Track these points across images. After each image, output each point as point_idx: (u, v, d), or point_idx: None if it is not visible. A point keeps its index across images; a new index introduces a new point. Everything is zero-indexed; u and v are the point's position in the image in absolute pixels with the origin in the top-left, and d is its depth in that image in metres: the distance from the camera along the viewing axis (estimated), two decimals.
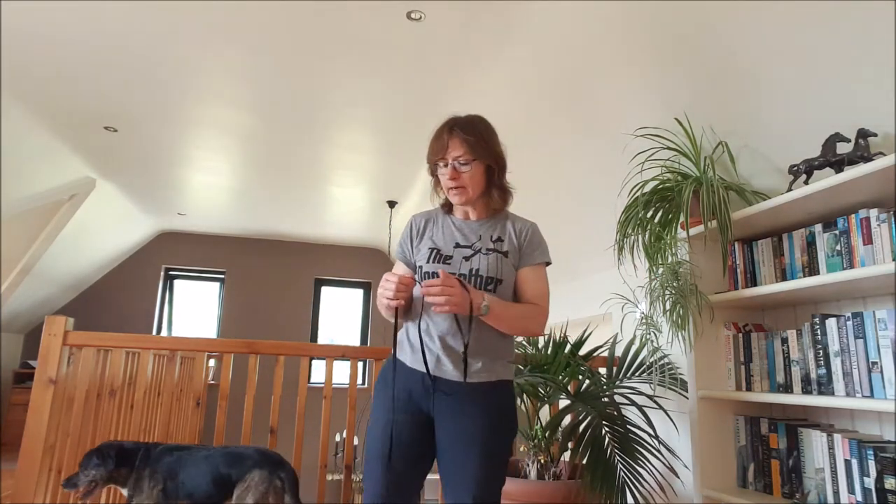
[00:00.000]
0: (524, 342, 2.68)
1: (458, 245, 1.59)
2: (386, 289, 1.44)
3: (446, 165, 1.56)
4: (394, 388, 1.54)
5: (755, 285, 2.04)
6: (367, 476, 1.50)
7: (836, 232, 1.75)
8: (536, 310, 1.57)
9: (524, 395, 2.38)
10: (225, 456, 1.96)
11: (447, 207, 1.69)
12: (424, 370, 1.50)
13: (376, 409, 1.56)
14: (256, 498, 1.86)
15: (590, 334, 2.59)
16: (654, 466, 2.07)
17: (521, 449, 2.40)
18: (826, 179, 1.62)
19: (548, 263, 1.64)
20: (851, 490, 1.63)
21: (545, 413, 2.46)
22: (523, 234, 1.63)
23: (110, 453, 1.95)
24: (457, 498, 1.45)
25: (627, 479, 1.98)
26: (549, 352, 2.47)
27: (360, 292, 7.65)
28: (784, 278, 1.93)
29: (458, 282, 1.40)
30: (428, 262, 1.57)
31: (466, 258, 1.56)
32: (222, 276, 7.23)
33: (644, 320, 2.17)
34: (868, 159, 1.60)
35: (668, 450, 2.19)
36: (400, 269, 1.68)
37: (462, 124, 1.57)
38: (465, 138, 1.54)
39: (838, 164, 1.70)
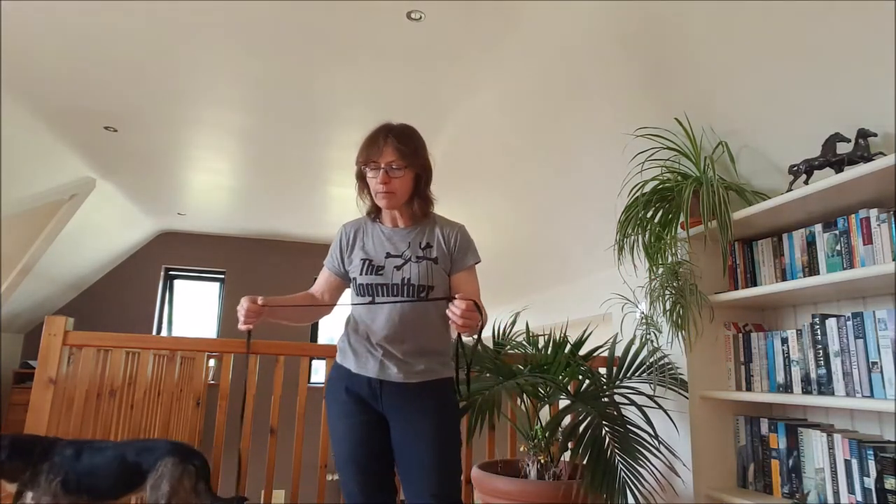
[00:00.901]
0: (524, 342, 2.68)
1: (388, 255, 1.65)
2: (240, 314, 1.51)
3: (377, 169, 1.60)
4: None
5: (755, 285, 2.04)
6: (345, 482, 1.60)
7: (836, 232, 1.75)
8: (484, 313, 1.65)
9: (524, 395, 2.38)
10: (134, 448, 1.93)
11: (374, 214, 1.74)
12: (369, 375, 1.59)
13: (332, 419, 1.64)
14: (172, 483, 1.86)
15: (590, 334, 2.59)
16: (654, 466, 2.07)
17: (521, 449, 2.40)
18: (826, 179, 1.62)
19: (477, 262, 1.72)
20: (851, 490, 1.63)
21: (545, 413, 2.46)
22: (452, 240, 1.69)
23: (3, 444, 1.81)
24: (417, 493, 1.52)
25: (628, 479, 1.98)
26: (549, 352, 2.47)
27: None
28: (784, 278, 1.93)
29: (476, 307, 1.43)
30: (362, 273, 1.63)
31: (398, 267, 1.63)
32: (222, 276, 7.22)
33: (644, 320, 2.17)
34: (868, 159, 1.60)
35: (668, 449, 2.19)
36: (324, 276, 1.74)
37: (397, 132, 1.63)
38: (399, 147, 1.60)
39: (838, 164, 1.70)
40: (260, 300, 1.51)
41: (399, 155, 1.59)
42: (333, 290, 1.76)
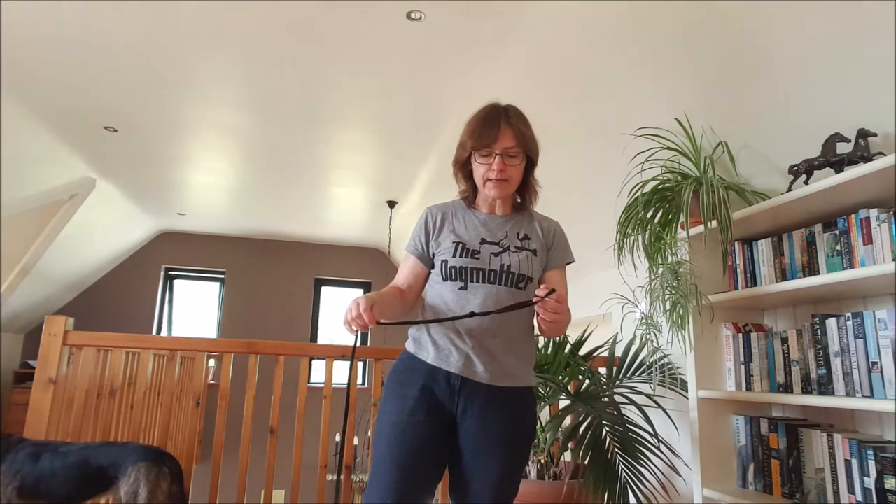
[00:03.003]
0: None
1: (484, 241, 1.53)
2: (351, 317, 1.32)
3: (490, 155, 1.49)
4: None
5: (755, 285, 2.04)
6: (378, 480, 1.42)
7: (836, 232, 1.75)
8: (569, 314, 1.53)
9: None
10: (98, 452, 1.86)
11: (468, 200, 1.62)
12: (450, 370, 1.44)
13: (390, 412, 1.46)
14: (149, 487, 1.81)
15: (590, 334, 2.59)
16: (655, 466, 2.07)
17: None
18: (826, 179, 1.62)
19: (571, 262, 1.64)
20: (851, 490, 1.63)
21: (545, 413, 2.46)
22: (551, 234, 1.61)
23: None
24: (472, 501, 1.42)
25: (629, 479, 1.98)
26: (549, 352, 2.47)
27: (359, 292, 7.66)
28: (784, 278, 1.93)
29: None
30: (454, 256, 1.50)
31: (495, 254, 1.51)
32: (222, 276, 7.22)
33: (644, 320, 2.17)
34: (868, 159, 1.60)
35: (669, 448, 2.19)
36: (409, 263, 1.58)
37: (514, 114, 1.53)
38: (520, 129, 1.51)
39: (838, 164, 1.70)
40: (374, 311, 1.31)
41: (518, 139, 1.49)
42: (420, 278, 1.58)
